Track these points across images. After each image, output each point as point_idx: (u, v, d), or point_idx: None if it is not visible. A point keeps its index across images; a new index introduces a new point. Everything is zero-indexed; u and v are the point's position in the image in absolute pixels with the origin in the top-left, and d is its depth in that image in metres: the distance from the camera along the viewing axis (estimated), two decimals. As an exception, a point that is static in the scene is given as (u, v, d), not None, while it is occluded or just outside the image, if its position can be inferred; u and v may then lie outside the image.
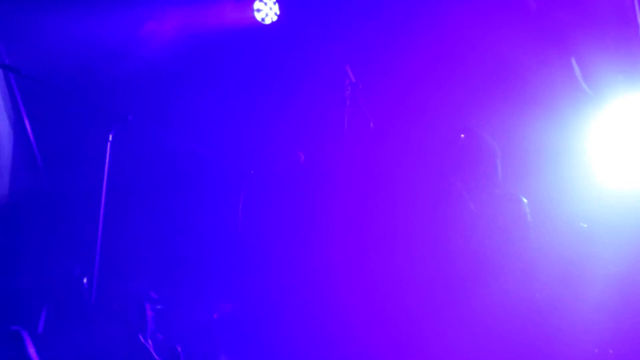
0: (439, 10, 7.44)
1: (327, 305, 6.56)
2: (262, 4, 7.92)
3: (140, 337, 5.31)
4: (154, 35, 7.81)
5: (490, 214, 5.48)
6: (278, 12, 7.92)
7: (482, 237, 5.47)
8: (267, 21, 7.94)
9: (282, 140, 7.63)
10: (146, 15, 7.81)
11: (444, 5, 7.41)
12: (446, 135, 5.87)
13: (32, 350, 1.62)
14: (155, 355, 5.32)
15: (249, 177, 6.83)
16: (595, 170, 6.69)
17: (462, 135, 5.78)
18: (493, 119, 6.75)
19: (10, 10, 7.17)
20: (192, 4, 7.94)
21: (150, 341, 5.35)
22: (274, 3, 7.92)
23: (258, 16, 7.92)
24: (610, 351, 6.21)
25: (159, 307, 6.50)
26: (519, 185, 6.19)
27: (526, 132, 7.06)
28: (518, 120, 7.10)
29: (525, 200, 5.55)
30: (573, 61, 5.91)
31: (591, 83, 6.81)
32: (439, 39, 7.38)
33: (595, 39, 6.64)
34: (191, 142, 7.51)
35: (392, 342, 5.79)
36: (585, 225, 6.58)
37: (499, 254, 5.43)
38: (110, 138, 6.24)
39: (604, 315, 6.15)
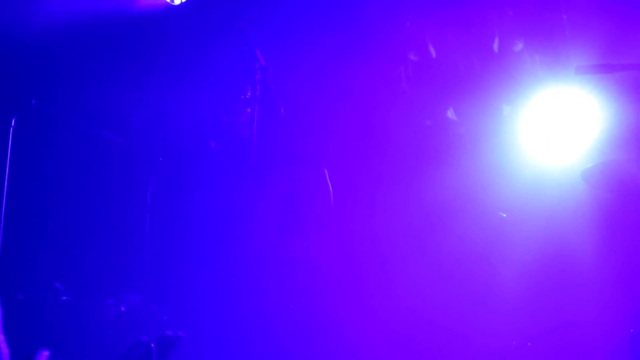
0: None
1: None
2: (172, -17, 7.72)
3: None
4: (61, 14, 7.58)
5: None
6: (186, -7, 7.74)
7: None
8: (177, 1, 7.74)
9: (193, 128, 7.48)
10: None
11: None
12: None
13: None
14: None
15: (158, 166, 6.71)
16: (515, 161, 6.69)
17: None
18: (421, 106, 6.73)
19: None
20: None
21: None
22: (184, -17, 7.73)
23: (168, -4, 7.74)
24: (529, 344, 6.24)
25: (64, 298, 6.36)
26: (440, 173, 6.19)
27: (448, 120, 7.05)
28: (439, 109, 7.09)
29: None
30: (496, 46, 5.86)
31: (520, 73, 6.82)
32: (355, 23, 7.30)
33: (522, 28, 6.63)
34: (100, 128, 7.30)
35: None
36: (504, 215, 6.59)
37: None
38: (13, 124, 6.07)
39: (523, 306, 6.17)
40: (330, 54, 7.25)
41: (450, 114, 7.06)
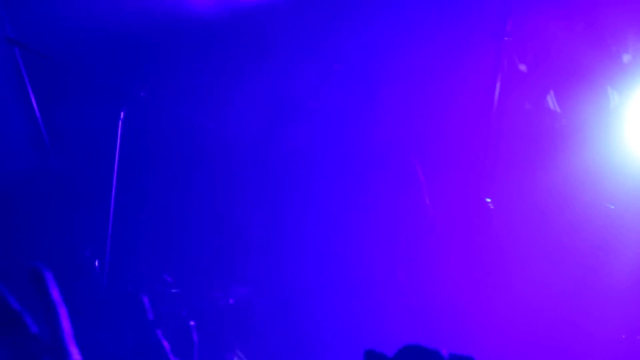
0: None
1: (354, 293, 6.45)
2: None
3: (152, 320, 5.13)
4: (172, 7, 7.61)
5: None
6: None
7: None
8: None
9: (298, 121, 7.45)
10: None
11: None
12: None
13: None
14: (164, 341, 5.16)
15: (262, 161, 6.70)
16: (622, 151, 6.52)
17: None
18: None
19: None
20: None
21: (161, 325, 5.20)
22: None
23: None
24: (639, 337, 6.09)
25: (173, 290, 6.40)
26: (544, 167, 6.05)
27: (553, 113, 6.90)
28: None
29: None
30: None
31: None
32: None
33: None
34: (212, 121, 7.32)
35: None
36: (612, 207, 6.43)
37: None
38: (122, 116, 6.11)
39: (631, 300, 6.02)
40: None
41: (553, 103, 6.91)
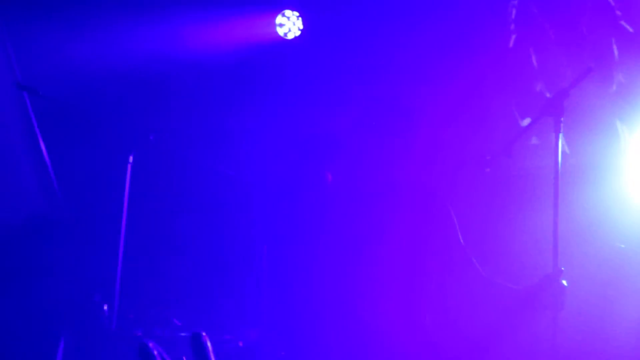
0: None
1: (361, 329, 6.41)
2: (284, 18, 7.73)
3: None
4: (176, 52, 7.66)
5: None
6: (301, 27, 7.74)
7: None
8: (290, 36, 7.75)
9: (311, 158, 7.46)
10: (168, 32, 7.67)
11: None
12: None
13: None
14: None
15: (275, 201, 6.72)
16: (632, 189, 6.50)
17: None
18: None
19: (25, 26, 7.01)
20: (214, 20, 7.80)
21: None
22: (297, 18, 7.74)
23: (280, 31, 7.75)
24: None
25: (182, 334, 6.38)
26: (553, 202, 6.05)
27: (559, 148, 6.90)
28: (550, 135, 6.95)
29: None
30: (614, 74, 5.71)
31: (630, 95, 6.66)
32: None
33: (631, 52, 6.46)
34: (219, 163, 7.34)
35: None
36: (622, 246, 6.40)
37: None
38: (131, 160, 6.13)
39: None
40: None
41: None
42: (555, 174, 4.96)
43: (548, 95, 6.62)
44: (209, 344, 1.89)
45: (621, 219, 6.46)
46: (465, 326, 5.25)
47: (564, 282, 4.86)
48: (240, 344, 6.53)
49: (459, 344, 5.20)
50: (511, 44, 7.01)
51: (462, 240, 5.44)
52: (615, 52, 6.59)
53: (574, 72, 6.65)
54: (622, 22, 6.64)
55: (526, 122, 6.65)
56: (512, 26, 7.02)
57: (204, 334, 1.90)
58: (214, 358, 1.88)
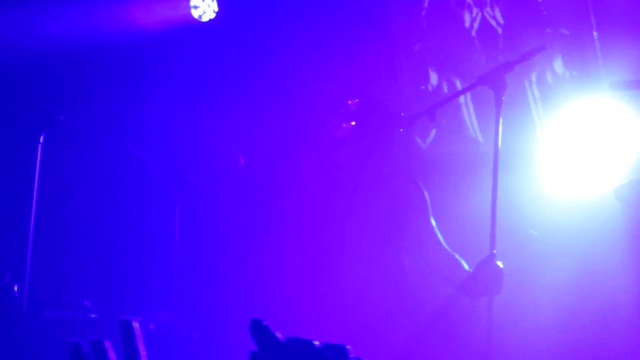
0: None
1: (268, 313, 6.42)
2: (199, 0, 7.72)
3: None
4: (90, 32, 7.60)
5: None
6: (216, 9, 7.74)
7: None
8: (205, 18, 7.75)
9: (222, 143, 7.47)
10: (82, 12, 7.60)
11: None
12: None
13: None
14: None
15: (187, 182, 6.70)
16: (546, 177, 6.63)
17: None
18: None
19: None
20: (127, 1, 7.76)
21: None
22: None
23: (195, 13, 7.73)
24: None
25: (92, 315, 6.36)
26: (468, 189, 6.14)
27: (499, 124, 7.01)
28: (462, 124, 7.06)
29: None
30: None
31: (542, 86, 6.78)
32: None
33: (546, 40, 6.57)
34: (129, 145, 7.31)
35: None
36: (535, 233, 6.53)
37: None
38: (41, 140, 6.07)
39: (555, 324, 6.10)
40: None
41: (473, 131, 7.03)
42: (495, 155, 4.77)
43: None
44: (137, 328, 1.87)
45: (534, 206, 6.60)
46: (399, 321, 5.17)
47: (500, 264, 4.75)
48: (151, 326, 6.52)
49: (393, 338, 5.13)
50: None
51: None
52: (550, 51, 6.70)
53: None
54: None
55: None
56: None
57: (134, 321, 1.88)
58: (142, 345, 1.86)
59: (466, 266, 4.95)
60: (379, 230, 5.20)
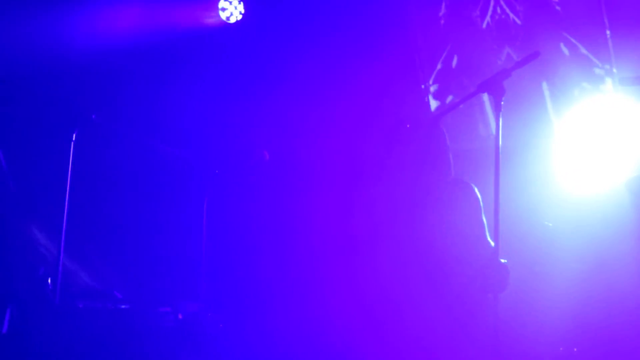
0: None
1: (297, 306, 6.53)
2: (227, 2, 7.89)
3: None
4: (121, 33, 7.75)
5: (444, 203, 5.36)
6: (243, 11, 7.90)
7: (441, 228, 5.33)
8: (232, 20, 7.92)
9: (249, 140, 7.61)
10: (113, 12, 7.75)
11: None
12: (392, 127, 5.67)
13: None
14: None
15: (214, 177, 6.80)
16: (559, 170, 6.71)
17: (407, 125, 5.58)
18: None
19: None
20: (157, 3, 7.89)
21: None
22: (239, 2, 7.90)
23: (223, 15, 7.90)
24: (575, 349, 6.24)
25: (123, 306, 6.49)
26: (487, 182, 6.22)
27: (489, 131, 7.12)
28: (480, 119, 7.15)
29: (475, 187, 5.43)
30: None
31: (556, 84, 6.85)
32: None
33: (560, 40, 6.67)
34: (159, 142, 7.45)
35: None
36: (550, 224, 6.60)
37: (459, 245, 5.31)
38: (74, 138, 6.19)
39: (568, 313, 6.18)
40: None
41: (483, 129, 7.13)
42: (496, 154, 4.83)
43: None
44: None
45: (548, 200, 6.68)
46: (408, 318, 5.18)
47: (504, 261, 4.80)
48: (180, 316, 6.63)
49: (401, 336, 5.14)
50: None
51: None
52: (565, 50, 6.78)
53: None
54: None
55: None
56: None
57: None
58: None
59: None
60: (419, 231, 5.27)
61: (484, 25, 7.15)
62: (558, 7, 6.87)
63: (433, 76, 7.35)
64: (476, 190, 5.33)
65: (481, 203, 5.29)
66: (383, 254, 5.25)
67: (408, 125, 5.45)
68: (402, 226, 5.30)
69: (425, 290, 5.16)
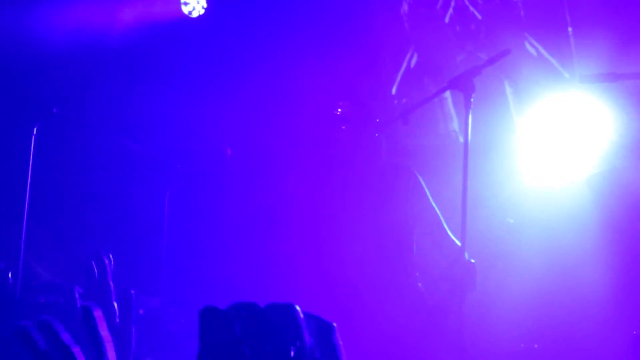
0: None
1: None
2: (189, -4, 7.88)
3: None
4: (82, 27, 7.72)
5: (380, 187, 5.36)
6: (205, 5, 7.89)
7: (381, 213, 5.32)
8: (194, 14, 7.90)
9: (210, 135, 7.60)
10: (73, 5, 7.72)
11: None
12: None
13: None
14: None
15: (175, 172, 6.80)
16: (521, 167, 6.77)
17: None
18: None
19: None
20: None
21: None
22: (202, -4, 7.89)
23: (185, 9, 7.88)
24: (535, 346, 6.28)
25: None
26: (446, 179, 6.24)
27: (449, 128, 7.16)
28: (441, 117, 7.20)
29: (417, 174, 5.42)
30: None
31: (517, 81, 6.90)
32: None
33: (522, 35, 6.73)
34: (120, 136, 7.44)
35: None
36: (512, 221, 6.64)
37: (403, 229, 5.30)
38: (35, 131, 6.16)
39: (528, 310, 6.21)
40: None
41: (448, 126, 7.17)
42: (465, 151, 4.86)
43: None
44: (98, 316, 1.81)
45: (511, 196, 6.73)
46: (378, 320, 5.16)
47: (472, 260, 4.79)
48: (141, 311, 6.62)
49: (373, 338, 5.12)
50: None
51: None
52: (532, 49, 6.83)
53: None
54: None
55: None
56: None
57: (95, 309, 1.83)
58: (106, 332, 1.81)
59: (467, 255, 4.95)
60: (372, 220, 5.27)
61: (447, 19, 7.19)
62: (520, 4, 6.93)
63: (399, 75, 7.37)
64: (418, 176, 5.34)
65: (426, 189, 5.30)
66: (338, 245, 5.27)
67: (377, 120, 5.48)
68: (346, 213, 5.32)
69: (383, 278, 5.19)
